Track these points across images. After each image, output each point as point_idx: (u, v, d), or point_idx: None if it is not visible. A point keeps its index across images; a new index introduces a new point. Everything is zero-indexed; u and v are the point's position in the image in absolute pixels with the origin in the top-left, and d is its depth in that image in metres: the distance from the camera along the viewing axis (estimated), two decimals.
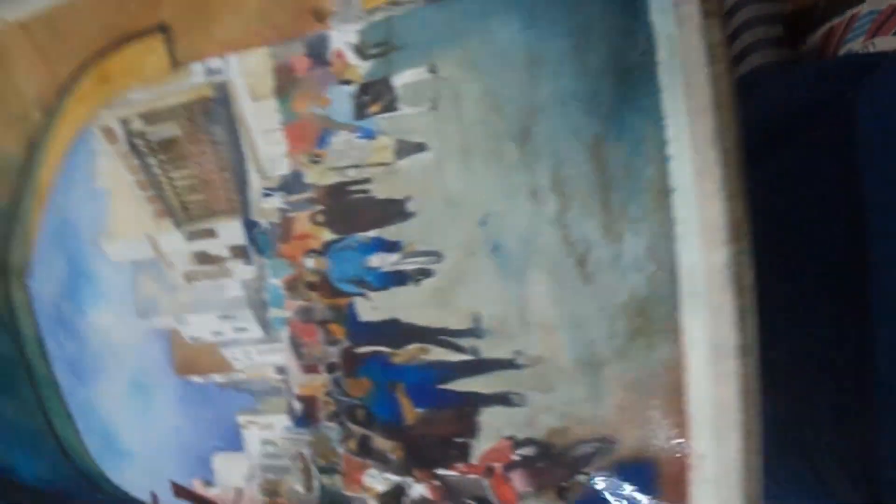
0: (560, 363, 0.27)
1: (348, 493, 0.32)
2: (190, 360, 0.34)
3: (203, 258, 0.39)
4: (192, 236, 0.40)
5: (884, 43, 0.38)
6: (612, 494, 0.26)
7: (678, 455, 0.24)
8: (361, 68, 0.32)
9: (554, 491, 0.33)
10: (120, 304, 0.37)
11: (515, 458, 0.28)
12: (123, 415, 0.36)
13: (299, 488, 0.34)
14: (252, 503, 0.34)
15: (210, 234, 0.39)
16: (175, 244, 0.33)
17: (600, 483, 0.26)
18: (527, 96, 0.29)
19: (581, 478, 0.27)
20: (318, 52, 0.35)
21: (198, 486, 0.36)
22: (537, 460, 0.28)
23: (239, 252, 0.33)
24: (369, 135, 0.28)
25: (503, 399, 0.28)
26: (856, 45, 0.40)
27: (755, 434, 0.23)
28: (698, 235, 0.23)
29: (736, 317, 0.22)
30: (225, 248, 0.39)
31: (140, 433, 0.36)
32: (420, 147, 0.28)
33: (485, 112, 0.26)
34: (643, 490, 0.25)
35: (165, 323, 0.34)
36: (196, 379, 0.34)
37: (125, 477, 0.37)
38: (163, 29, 0.37)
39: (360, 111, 0.28)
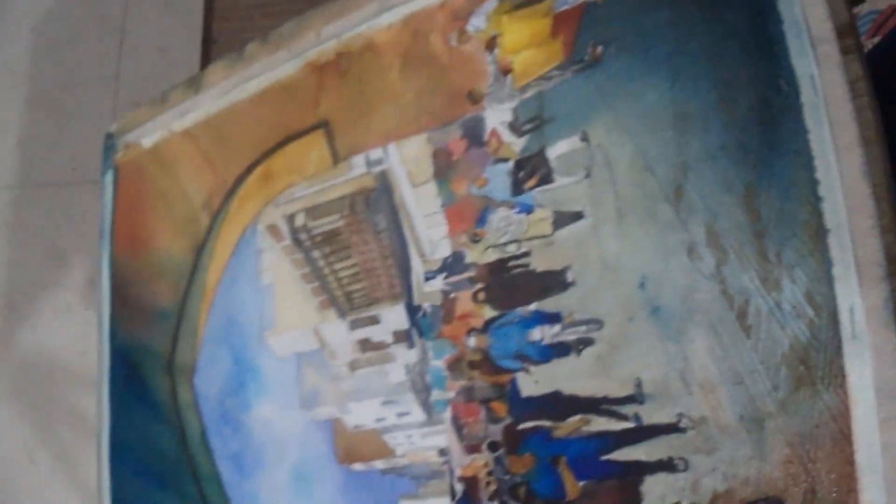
0: (722, 422, 0.44)
1: None
2: (352, 448, 0.59)
3: (366, 345, 0.59)
4: (356, 325, 0.57)
5: None
6: None
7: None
8: (516, 145, 0.50)
9: None
10: (283, 396, 0.62)
11: None
12: None
13: None
14: None
15: (373, 321, 0.57)
16: (339, 334, 0.58)
17: None
18: (677, 154, 0.44)
19: None
20: (473, 134, 0.52)
21: None
22: None
23: (402, 336, 0.57)
24: (527, 209, 0.50)
25: (666, 465, 0.48)
26: None
27: None
28: (856, 274, 0.38)
29: None
30: (388, 333, 0.57)
31: None
32: (577, 216, 0.49)
33: (637, 174, 0.46)
34: None
35: (328, 413, 0.59)
36: (358, 467, 0.58)
37: None
38: (323, 125, 0.64)
39: (518, 187, 0.50)
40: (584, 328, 0.50)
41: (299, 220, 0.59)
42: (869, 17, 0.65)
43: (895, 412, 0.39)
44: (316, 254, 0.59)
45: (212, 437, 0.63)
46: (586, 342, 0.49)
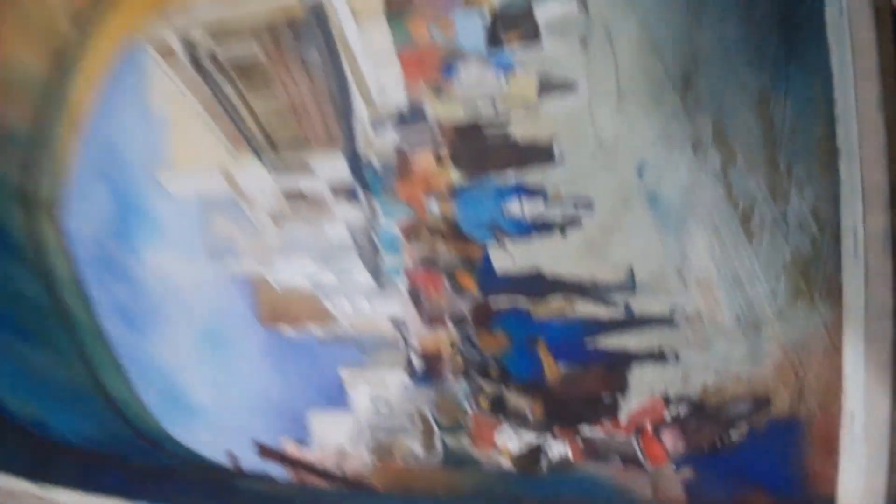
0: (719, 321, 0.59)
1: (476, 453, 0.65)
2: (280, 309, 0.66)
3: (295, 196, 0.71)
4: (280, 171, 0.62)
5: None
6: (762, 451, 0.61)
7: (830, 414, 0.57)
8: None
9: (705, 448, 0.74)
10: (184, 244, 0.66)
11: (667, 416, 0.64)
12: (193, 368, 0.68)
13: (418, 449, 0.66)
14: (358, 465, 0.67)
15: (304, 169, 0.65)
16: (257, 181, 0.63)
17: (751, 440, 0.62)
18: (688, 40, 0.55)
19: (733, 435, 0.62)
20: None
21: (288, 447, 0.70)
22: (690, 419, 0.64)
23: (343, 190, 0.63)
24: (506, 67, 0.58)
25: (657, 356, 0.62)
26: None
27: None
28: (861, 199, 0.53)
29: (894, 282, 0.53)
30: (325, 185, 0.63)
31: (214, 389, 0.69)
32: (568, 86, 0.57)
33: (642, 56, 0.55)
34: (793, 447, 0.60)
35: (247, 267, 0.66)
36: (289, 331, 0.67)
37: (194, 436, 0.69)
38: None
39: (494, 39, 0.57)
40: (572, 208, 0.59)
41: (201, 41, 0.60)
42: None
43: (882, 330, 0.55)
44: (227, 88, 0.61)
45: (89, 285, 0.66)
46: (574, 223, 0.59)
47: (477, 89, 0.57)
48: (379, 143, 0.60)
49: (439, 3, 0.57)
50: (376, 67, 0.58)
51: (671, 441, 0.64)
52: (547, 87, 0.57)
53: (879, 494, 0.60)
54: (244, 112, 0.61)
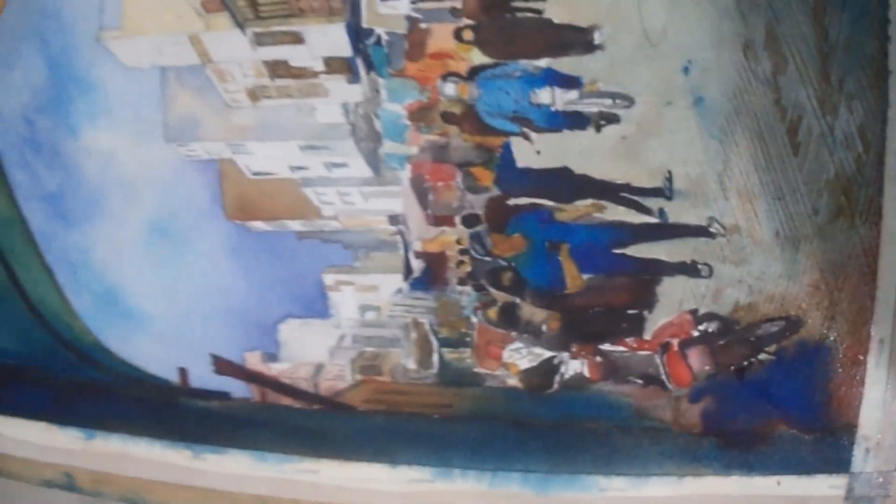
0: (757, 235, 0.61)
1: (480, 371, 0.64)
2: (251, 201, 0.63)
3: (279, 70, 0.60)
4: (264, 40, 0.60)
5: None
6: (787, 375, 0.63)
7: (859, 340, 0.62)
8: None
9: (731, 370, 0.64)
10: (137, 124, 0.62)
11: (695, 333, 0.63)
12: (139, 270, 0.64)
13: (411, 364, 0.66)
14: (337, 382, 0.67)
15: (293, 38, 0.59)
16: (234, 49, 0.60)
17: (778, 363, 0.63)
18: None
19: (763, 357, 0.64)
20: None
21: (253, 362, 0.67)
22: (719, 337, 0.63)
23: (340, 65, 0.59)
24: None
25: (689, 269, 0.62)
26: None
27: None
28: None
29: None
30: (318, 58, 0.59)
31: (166, 294, 0.65)
32: None
33: None
34: (819, 372, 0.63)
35: (213, 151, 0.62)
36: (259, 226, 0.64)
37: (137, 349, 0.66)
38: None
39: None
40: (609, 101, 0.60)
41: None
42: None
43: None
44: None
45: (10, 166, 0.65)
46: (610, 119, 0.60)
47: None
48: (389, 15, 0.59)
49: None
50: None
51: (697, 360, 0.67)
52: None
53: None
54: None
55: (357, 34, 0.56)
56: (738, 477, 0.67)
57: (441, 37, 0.59)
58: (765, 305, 0.64)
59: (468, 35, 0.56)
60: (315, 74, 0.56)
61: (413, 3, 0.56)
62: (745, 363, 0.64)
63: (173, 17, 0.57)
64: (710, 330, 0.62)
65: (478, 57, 0.57)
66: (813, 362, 0.64)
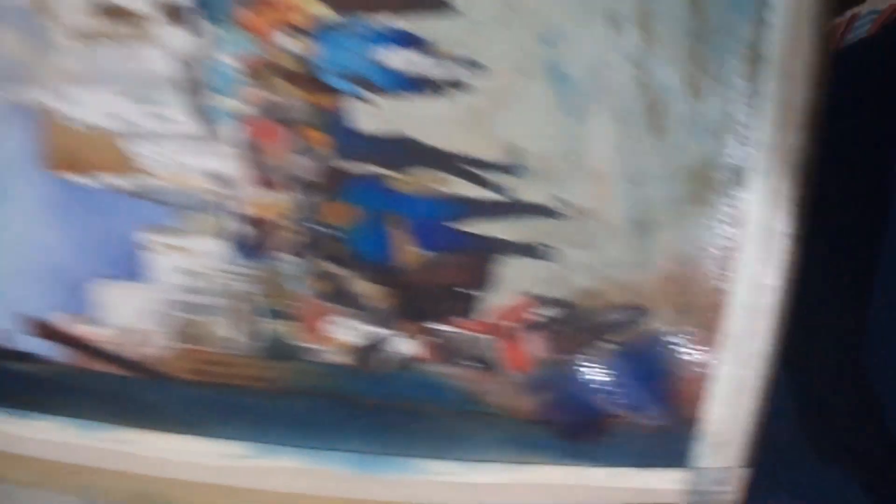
0: (609, 219, 0.64)
1: (306, 344, 0.66)
2: (70, 151, 0.64)
3: (108, 10, 0.60)
4: None
5: None
6: (631, 366, 0.68)
7: (708, 336, 0.68)
8: None
9: (572, 357, 0.67)
10: None
11: (536, 318, 0.66)
12: None
13: (235, 334, 0.69)
14: (152, 349, 0.68)
15: None
16: None
17: (622, 354, 0.67)
18: None
19: (603, 346, 0.68)
20: None
21: (66, 323, 0.69)
22: (561, 323, 0.66)
23: (172, 11, 0.60)
24: None
25: (533, 251, 0.64)
26: None
27: (783, 320, 0.66)
28: (774, 113, 0.63)
29: (792, 205, 0.63)
30: (148, 2, 0.61)
31: None
32: None
33: None
34: (668, 364, 0.67)
35: (33, 96, 0.63)
36: (78, 179, 0.65)
37: None
38: None
39: None
40: (461, 68, 0.62)
41: None
42: (869, 17, 0.89)
43: (776, 253, 0.64)
44: None
45: None
46: (460, 86, 0.62)
47: None
48: None
49: None
50: None
51: (536, 346, 0.69)
52: None
53: (742, 422, 0.69)
54: None
55: None
56: (574, 467, 0.71)
57: None
58: (613, 293, 0.67)
59: None
60: (145, 19, 0.58)
61: None
62: (588, 352, 0.67)
63: None
64: (551, 315, 0.65)
65: (320, 9, 0.59)
66: (660, 354, 0.66)
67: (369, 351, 0.66)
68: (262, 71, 0.57)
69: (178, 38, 0.56)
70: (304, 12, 0.61)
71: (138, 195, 0.60)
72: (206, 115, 0.58)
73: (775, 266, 0.66)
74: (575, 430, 0.72)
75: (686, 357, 0.70)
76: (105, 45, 0.58)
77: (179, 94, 0.57)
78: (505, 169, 0.65)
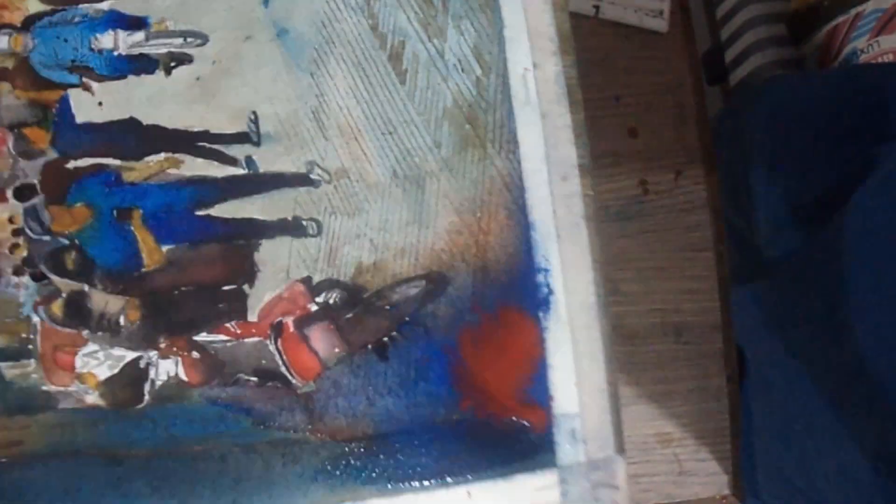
0: (370, 178, 0.55)
1: (50, 388, 0.53)
2: None
3: None
4: None
5: (888, 42, 0.86)
6: (440, 348, 0.53)
7: (524, 289, 0.54)
8: None
9: (373, 349, 0.54)
10: None
11: (314, 308, 0.54)
12: None
13: None
14: None
15: None
16: None
17: (426, 333, 0.53)
18: None
19: (407, 330, 0.54)
20: None
21: None
22: (345, 309, 0.54)
23: None
24: None
25: (291, 226, 0.54)
26: (860, 43, 0.89)
27: (602, 262, 0.55)
28: (528, 43, 0.57)
29: (573, 133, 0.56)
30: None
31: None
32: None
33: None
34: (480, 332, 0.53)
35: None
36: None
37: None
38: None
39: None
40: (180, 41, 0.56)
41: None
42: (874, 16, 0.89)
43: (570, 187, 0.56)
44: None
45: None
46: (181, 59, 0.56)
47: None
48: None
49: None
50: None
51: (321, 341, 0.55)
52: None
53: (599, 386, 0.56)
54: None
55: None
56: (412, 494, 0.55)
57: None
58: (396, 263, 0.56)
59: None
60: None
61: None
62: (386, 339, 0.55)
63: None
64: (331, 301, 0.52)
65: (35, 5, 0.54)
66: (471, 326, 0.57)
67: (125, 381, 0.51)
68: None
69: None
70: (20, 9, 0.57)
71: None
72: None
73: (574, 199, 0.58)
74: (399, 443, 0.56)
75: (504, 320, 0.57)
76: None
77: None
78: (246, 138, 0.57)
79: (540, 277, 0.55)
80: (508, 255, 0.56)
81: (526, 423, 0.54)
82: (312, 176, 0.56)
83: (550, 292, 0.55)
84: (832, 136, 0.65)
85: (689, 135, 0.68)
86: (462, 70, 0.57)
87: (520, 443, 0.54)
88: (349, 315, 0.52)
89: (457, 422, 0.54)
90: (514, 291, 0.55)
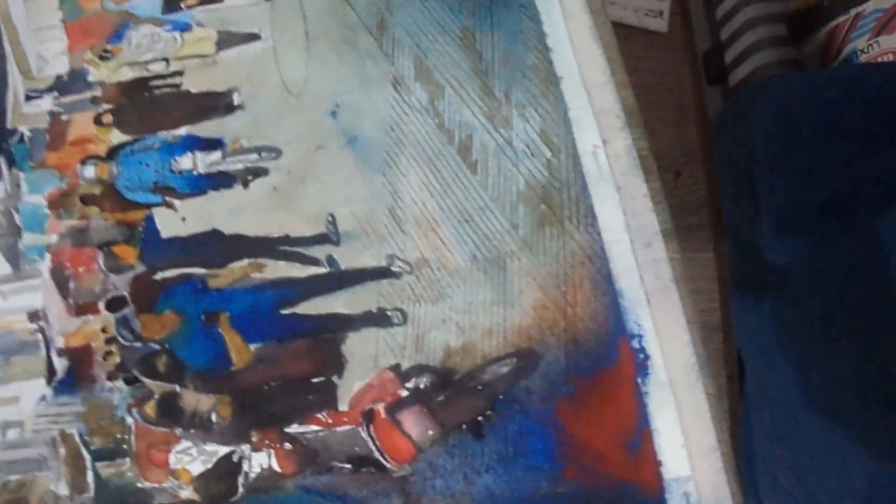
0: (451, 264, 0.62)
1: (145, 485, 0.58)
2: None
3: None
4: None
5: (888, 42, 0.96)
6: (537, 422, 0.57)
7: (620, 353, 0.58)
8: None
9: (468, 429, 0.58)
10: None
11: (404, 393, 0.60)
12: None
13: (62, 489, 0.60)
14: None
15: None
16: None
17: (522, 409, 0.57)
18: None
19: (501, 407, 0.59)
20: None
21: None
22: (435, 392, 0.59)
23: None
24: (182, 27, 0.68)
25: (376, 318, 0.61)
26: (860, 43, 0.99)
27: (696, 323, 0.59)
28: (595, 121, 0.65)
29: (651, 201, 0.62)
30: None
31: None
32: (251, 37, 0.68)
33: (332, 4, 0.68)
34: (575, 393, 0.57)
35: None
36: None
37: None
38: None
39: (172, 4, 0.69)
40: (254, 156, 0.65)
41: None
42: (873, 16, 0.96)
43: (655, 256, 0.62)
44: None
45: None
46: (257, 172, 0.64)
47: (148, 51, 0.68)
48: (31, 113, 0.67)
49: None
50: (41, 42, 0.68)
51: (414, 425, 0.60)
52: (227, 39, 0.68)
53: (710, 446, 0.59)
54: None
55: (1, 135, 0.65)
56: None
57: (82, 124, 0.66)
58: (484, 343, 0.62)
59: (108, 118, 0.65)
60: None
61: (56, 98, 0.66)
62: (480, 417, 0.60)
63: None
64: (421, 386, 0.59)
65: (117, 136, 0.65)
66: (568, 393, 0.61)
67: (219, 477, 0.60)
68: (67, 201, 0.61)
69: None
70: (104, 142, 0.67)
71: None
72: (17, 255, 0.60)
73: (661, 263, 0.63)
74: None
75: (603, 390, 0.61)
76: None
77: None
78: (325, 239, 0.64)
79: (634, 343, 0.60)
80: (598, 325, 0.60)
81: (636, 487, 0.58)
82: (393, 268, 0.62)
83: (647, 357, 0.59)
84: (838, 137, 0.69)
85: (688, 135, 0.73)
86: (532, 154, 0.64)
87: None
88: (441, 398, 0.57)
89: (561, 494, 0.57)
90: (609, 359, 0.60)
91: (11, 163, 0.63)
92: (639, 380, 0.59)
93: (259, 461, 0.57)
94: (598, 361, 0.57)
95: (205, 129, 0.65)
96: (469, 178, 0.63)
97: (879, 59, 0.92)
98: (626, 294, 0.60)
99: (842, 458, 0.60)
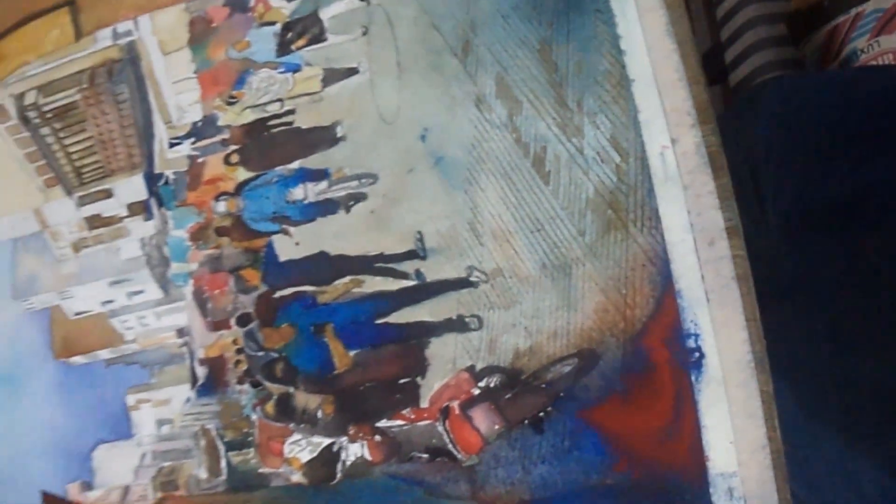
0: (522, 272, 0.66)
1: (265, 470, 0.70)
2: (72, 339, 0.78)
3: (95, 222, 0.78)
4: (84, 201, 0.80)
5: (889, 42, 0.90)
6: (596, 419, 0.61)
7: (676, 353, 0.60)
8: (286, 8, 0.77)
9: (529, 424, 0.64)
10: None
11: (476, 391, 0.66)
12: None
13: (202, 473, 0.73)
14: (139, 501, 0.73)
15: (105, 195, 0.79)
16: (64, 212, 0.81)
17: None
18: (464, 12, 0.71)
19: (561, 404, 0.63)
20: (238, 1, 0.79)
21: (73, 493, 0.76)
22: (504, 390, 0.65)
23: (138, 208, 0.78)
24: (293, 68, 0.77)
25: (456, 324, 0.67)
26: (860, 43, 0.94)
27: (755, 320, 0.59)
28: (665, 120, 0.65)
29: (718, 198, 0.62)
30: (122, 206, 0.78)
31: (4, 439, 0.78)
32: (350, 71, 0.74)
33: (421, 31, 0.72)
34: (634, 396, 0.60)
35: (45, 301, 0.80)
36: (77, 360, 0.78)
37: None
38: (69, 2, 0.95)
39: (284, 48, 0.77)
40: (355, 183, 0.71)
41: (29, 98, 0.83)
42: (874, 16, 0.95)
43: (719, 251, 0.61)
44: (45, 131, 0.83)
45: None
46: (358, 198, 0.71)
47: (265, 94, 0.77)
48: (174, 158, 0.79)
49: (237, 26, 0.79)
50: (178, 92, 0.80)
51: (483, 420, 0.65)
52: (331, 75, 0.75)
53: (759, 443, 0.59)
54: (59, 152, 0.83)
55: (151, 179, 0.77)
56: None
57: (214, 165, 0.77)
58: (549, 345, 0.66)
59: (234, 158, 0.75)
60: (120, 219, 0.76)
61: (192, 144, 0.77)
62: (541, 414, 0.65)
63: (23, 198, 0.80)
64: (492, 385, 0.66)
65: (242, 174, 0.75)
66: (627, 395, 0.65)
67: (322, 463, 0.70)
68: (204, 233, 0.72)
69: (144, 228, 0.73)
70: (232, 179, 0.77)
71: (122, 361, 0.74)
72: (167, 281, 0.72)
73: (724, 261, 0.63)
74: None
75: (657, 389, 0.65)
76: (95, 248, 0.75)
77: (147, 270, 0.73)
78: (414, 255, 0.70)
79: (690, 342, 0.61)
80: (658, 324, 0.63)
81: (682, 480, 0.60)
82: (472, 279, 0.67)
83: (702, 355, 0.61)
84: (843, 140, 0.67)
85: None
86: (602, 161, 0.66)
87: (675, 503, 0.60)
88: (508, 395, 0.63)
89: (609, 485, 0.61)
90: (664, 358, 0.62)
91: (160, 203, 0.74)
92: (692, 377, 0.61)
93: (354, 451, 0.66)
94: (654, 362, 0.62)
95: (313, 161, 0.73)
96: (542, 189, 0.67)
97: (879, 59, 0.89)
98: (685, 294, 0.62)
99: (854, 469, 0.61)
